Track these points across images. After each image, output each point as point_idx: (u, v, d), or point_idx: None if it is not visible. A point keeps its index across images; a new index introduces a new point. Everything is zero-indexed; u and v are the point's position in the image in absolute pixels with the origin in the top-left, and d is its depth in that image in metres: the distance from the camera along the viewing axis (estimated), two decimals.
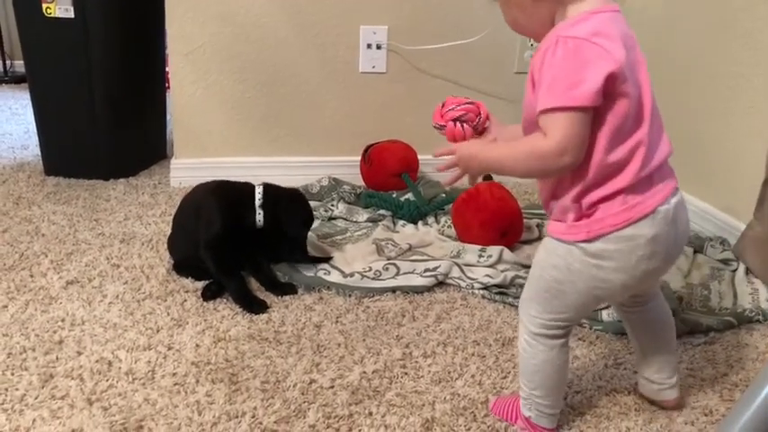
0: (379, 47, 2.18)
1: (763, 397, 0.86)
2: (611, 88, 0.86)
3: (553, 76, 0.87)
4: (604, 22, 0.88)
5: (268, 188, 1.58)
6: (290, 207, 1.57)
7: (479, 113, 1.19)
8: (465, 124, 1.18)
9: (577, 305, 0.99)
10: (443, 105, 1.21)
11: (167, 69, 2.30)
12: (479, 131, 1.19)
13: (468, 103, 1.20)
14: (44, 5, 2.05)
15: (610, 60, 0.85)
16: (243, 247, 1.54)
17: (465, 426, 1.12)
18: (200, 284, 1.53)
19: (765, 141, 1.65)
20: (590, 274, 0.95)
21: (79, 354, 1.27)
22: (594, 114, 0.88)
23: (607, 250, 0.93)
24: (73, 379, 1.19)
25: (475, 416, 1.14)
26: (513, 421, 1.12)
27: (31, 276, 1.55)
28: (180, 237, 1.63)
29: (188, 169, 2.18)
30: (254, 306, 1.44)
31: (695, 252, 1.76)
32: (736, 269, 1.67)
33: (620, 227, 0.92)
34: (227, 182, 1.63)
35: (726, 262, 1.71)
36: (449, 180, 1.09)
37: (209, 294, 1.49)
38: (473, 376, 1.25)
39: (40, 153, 2.26)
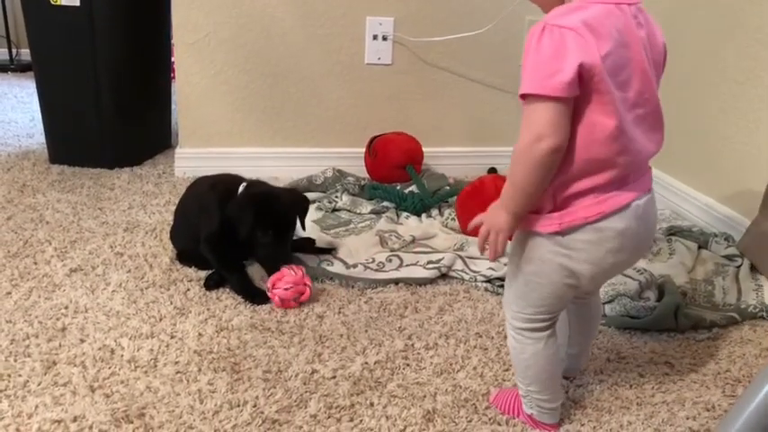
0: (384, 38, 2.17)
1: (762, 397, 0.85)
2: (587, 82, 0.86)
3: (534, 62, 0.87)
4: (599, 15, 0.88)
5: (249, 185, 1.53)
6: (242, 210, 1.47)
7: (305, 290, 1.44)
8: (292, 301, 1.42)
9: (553, 296, 1.00)
10: (281, 277, 1.43)
11: (173, 59, 2.30)
12: (301, 303, 1.44)
13: (299, 284, 1.43)
14: None
15: (588, 53, 0.85)
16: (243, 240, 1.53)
17: (466, 417, 1.12)
18: (204, 273, 1.53)
19: (766, 138, 1.65)
20: (560, 263, 0.96)
21: (82, 341, 1.27)
22: (574, 107, 0.87)
23: (578, 241, 0.94)
24: (75, 366, 1.19)
25: (476, 408, 1.14)
26: (514, 415, 1.12)
27: (35, 264, 1.55)
28: (183, 228, 1.63)
29: (192, 159, 2.18)
30: (256, 297, 1.44)
31: (699, 248, 1.76)
32: (740, 265, 1.67)
33: (592, 220, 0.93)
34: (230, 175, 1.62)
35: (730, 258, 1.70)
36: (490, 256, 0.99)
37: (211, 284, 1.49)
38: (475, 368, 1.25)
39: (45, 141, 2.26)
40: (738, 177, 1.82)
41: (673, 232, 1.83)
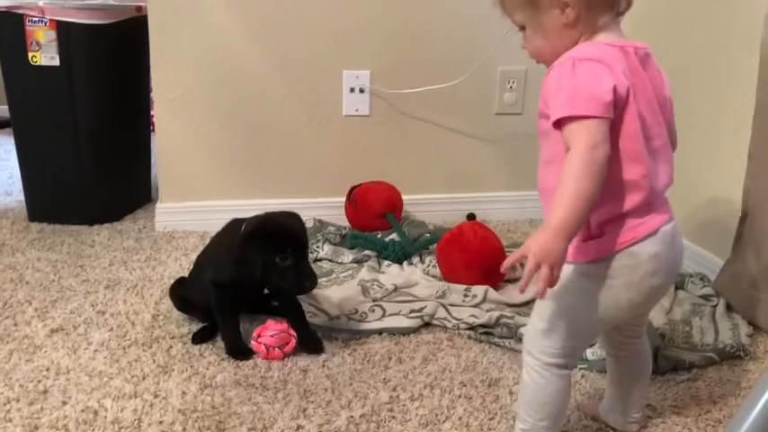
0: (362, 90, 2.22)
1: (763, 404, 0.85)
2: (617, 106, 0.93)
3: (573, 88, 0.93)
4: (610, 55, 0.95)
5: (248, 224, 1.44)
6: (249, 246, 1.39)
7: (290, 340, 1.44)
8: (277, 349, 1.42)
9: (590, 329, 1.04)
10: (266, 327, 1.44)
11: (152, 113, 2.32)
12: (286, 353, 1.44)
13: (284, 333, 1.44)
14: (30, 54, 2.07)
15: (615, 80, 0.92)
16: (251, 289, 1.51)
17: None
18: (186, 330, 1.53)
19: (742, 178, 1.69)
20: (600, 293, 0.99)
21: (64, 403, 1.26)
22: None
23: (615, 267, 0.98)
24: (58, 430, 1.18)
25: None
26: None
27: (15, 325, 1.54)
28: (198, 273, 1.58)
29: (173, 213, 2.18)
30: (240, 353, 1.44)
31: (676, 288, 1.79)
32: (716, 305, 1.70)
33: (626, 245, 0.97)
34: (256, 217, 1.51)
35: (706, 297, 1.73)
36: (540, 293, 0.92)
37: (198, 339, 1.49)
38: (460, 418, 1.26)
39: (23, 199, 2.25)
40: (711, 217, 1.87)
41: None
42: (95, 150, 2.19)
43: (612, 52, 0.96)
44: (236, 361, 1.42)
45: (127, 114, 2.32)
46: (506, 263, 0.94)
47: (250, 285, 1.48)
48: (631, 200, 0.97)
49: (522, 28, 1.04)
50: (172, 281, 1.78)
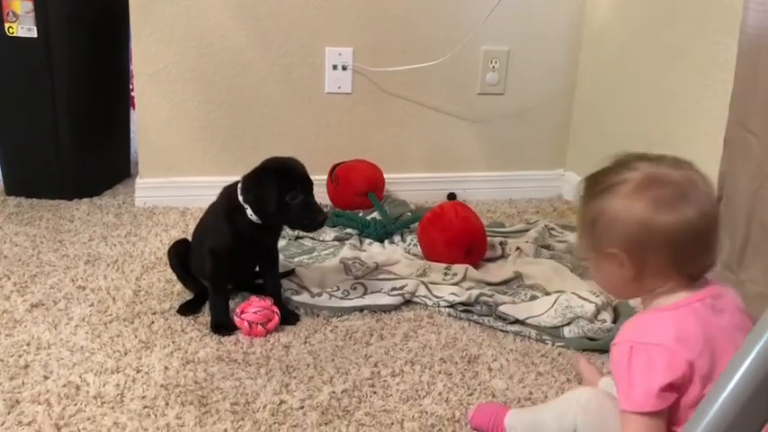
0: (344, 68, 2.21)
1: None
2: (678, 389, 0.87)
3: (627, 381, 0.89)
4: (686, 321, 0.89)
5: (246, 176, 1.49)
6: (262, 183, 1.44)
7: (273, 317, 1.45)
8: (260, 326, 1.43)
9: None
10: (249, 304, 1.45)
11: (131, 87, 2.30)
12: (269, 330, 1.44)
13: (267, 309, 1.45)
14: (6, 25, 2.03)
15: (675, 369, 0.87)
16: (247, 258, 1.53)
17: None
18: (167, 306, 1.53)
19: (716, 164, 1.72)
20: None
21: (46, 378, 1.26)
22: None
23: None
24: (40, 404, 1.18)
25: None
26: None
27: None
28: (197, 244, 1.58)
29: (153, 189, 2.17)
30: (223, 327, 1.45)
31: None
32: None
33: None
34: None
35: None
36: None
37: (186, 311, 1.51)
38: (440, 394, 1.28)
39: (0, 173, 2.22)
40: None
41: None
42: (74, 124, 2.17)
43: (676, 320, 0.90)
44: (219, 336, 1.43)
45: (106, 88, 2.29)
46: None
47: (246, 254, 1.51)
48: None
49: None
50: (153, 257, 1.78)
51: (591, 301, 1.53)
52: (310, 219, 1.46)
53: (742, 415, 0.67)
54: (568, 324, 1.49)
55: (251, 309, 1.44)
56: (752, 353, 0.66)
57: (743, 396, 0.67)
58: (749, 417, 0.67)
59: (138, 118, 2.15)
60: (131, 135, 2.46)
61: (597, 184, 0.97)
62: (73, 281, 1.64)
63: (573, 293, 1.57)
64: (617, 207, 0.93)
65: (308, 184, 1.47)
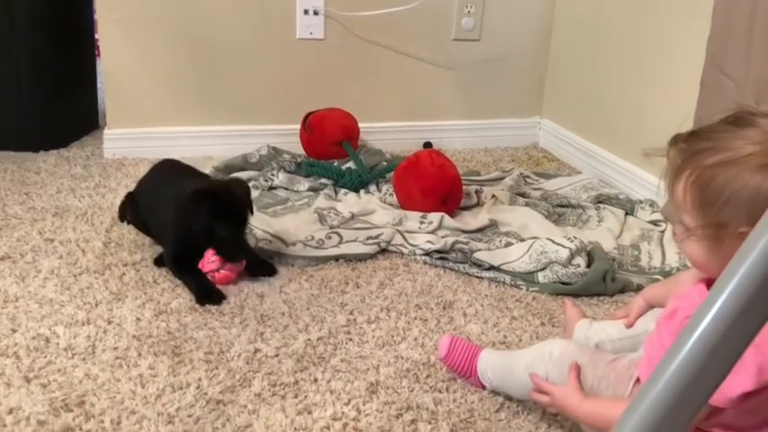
0: (316, 12, 2.15)
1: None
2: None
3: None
4: None
5: (190, 194, 1.42)
6: (197, 208, 1.39)
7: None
8: (222, 270, 1.42)
9: None
10: (203, 259, 1.43)
11: (96, 35, 2.21)
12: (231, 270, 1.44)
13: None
14: None
15: (754, 380, 0.76)
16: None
17: (408, 387, 1.15)
18: (139, 257, 1.51)
19: (693, 106, 1.72)
20: None
21: (14, 331, 1.23)
22: None
23: None
24: (8, 357, 1.16)
25: (418, 377, 1.17)
26: (467, 376, 1.15)
27: None
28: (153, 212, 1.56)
29: (122, 140, 2.12)
30: (213, 297, 1.38)
31: (626, 214, 1.83)
32: (664, 230, 1.75)
33: None
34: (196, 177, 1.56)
35: (655, 223, 1.78)
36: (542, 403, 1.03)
37: (161, 262, 1.49)
38: (415, 339, 1.28)
39: None
40: (663, 145, 1.89)
41: (601, 200, 1.90)
42: (36, 73, 2.09)
43: None
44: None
45: (69, 36, 2.21)
46: (535, 395, 1.03)
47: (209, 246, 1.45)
48: None
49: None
50: None
51: (565, 246, 1.53)
52: (233, 252, 1.42)
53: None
54: (543, 269, 1.50)
55: (206, 261, 1.42)
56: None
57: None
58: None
59: (104, 67, 2.08)
60: (99, 85, 2.39)
61: (714, 151, 0.84)
62: (40, 233, 1.60)
63: (548, 239, 1.57)
64: (752, 184, 0.79)
65: (241, 220, 1.43)
